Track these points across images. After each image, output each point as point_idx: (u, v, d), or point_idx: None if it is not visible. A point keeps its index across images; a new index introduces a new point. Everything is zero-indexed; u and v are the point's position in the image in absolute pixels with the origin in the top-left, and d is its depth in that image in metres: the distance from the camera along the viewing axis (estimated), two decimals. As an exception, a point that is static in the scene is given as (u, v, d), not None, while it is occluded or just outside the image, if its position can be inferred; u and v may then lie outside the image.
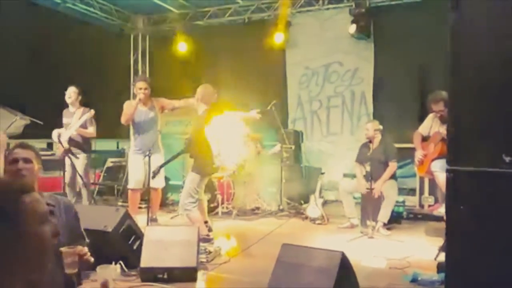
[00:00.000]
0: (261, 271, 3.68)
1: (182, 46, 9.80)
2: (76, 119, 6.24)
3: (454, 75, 2.59)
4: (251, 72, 9.16)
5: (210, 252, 4.53)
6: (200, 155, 5.01)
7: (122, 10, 10.21)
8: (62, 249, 2.48)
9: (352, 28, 8.25)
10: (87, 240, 2.89)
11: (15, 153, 2.72)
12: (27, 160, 2.71)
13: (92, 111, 6.23)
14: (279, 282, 3.27)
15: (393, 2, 8.33)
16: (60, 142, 6.10)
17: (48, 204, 2.66)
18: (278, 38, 8.90)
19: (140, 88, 5.83)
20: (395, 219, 6.36)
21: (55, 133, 6.30)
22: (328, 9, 9.02)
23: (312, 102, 9.36)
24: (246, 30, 9.55)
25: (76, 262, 2.49)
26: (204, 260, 4.33)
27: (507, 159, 2.33)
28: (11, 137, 7.31)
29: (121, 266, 3.85)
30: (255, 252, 4.86)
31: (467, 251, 2.57)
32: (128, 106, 5.91)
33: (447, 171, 2.59)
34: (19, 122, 6.80)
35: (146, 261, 3.76)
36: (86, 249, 2.55)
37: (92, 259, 2.59)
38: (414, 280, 3.91)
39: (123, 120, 5.93)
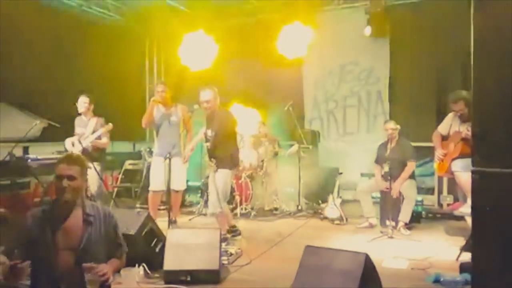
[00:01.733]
0: (283, 273, 3.71)
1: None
2: (90, 129, 6.18)
3: (478, 75, 2.57)
4: (267, 73, 9.14)
5: (231, 254, 4.55)
6: (230, 148, 5.20)
7: (135, 11, 10.26)
8: (84, 264, 2.52)
9: (368, 30, 8.21)
10: (126, 249, 2.92)
11: (60, 169, 2.69)
12: (71, 178, 2.66)
13: (110, 125, 6.15)
14: (303, 284, 3.28)
15: (408, 1, 8.26)
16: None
17: (87, 214, 2.71)
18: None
19: (158, 91, 5.97)
20: (414, 219, 6.32)
21: (68, 142, 6.24)
22: (343, 8, 8.98)
23: (328, 102, 9.34)
24: (261, 29, 9.53)
25: (98, 280, 2.52)
26: (226, 262, 4.35)
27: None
28: (30, 140, 7.46)
29: (144, 268, 3.91)
30: (276, 254, 4.87)
31: (494, 253, 2.56)
32: (149, 106, 6.01)
33: (473, 172, 2.57)
34: (39, 125, 6.91)
35: (169, 263, 3.79)
36: (106, 269, 2.57)
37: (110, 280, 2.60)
38: (436, 281, 3.89)
39: (143, 122, 5.99)
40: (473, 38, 2.57)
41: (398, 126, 6.24)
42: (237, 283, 3.93)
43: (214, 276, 3.79)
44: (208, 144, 5.22)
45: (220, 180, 5.13)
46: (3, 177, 6.26)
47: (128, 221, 3.98)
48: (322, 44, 9.22)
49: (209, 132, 5.20)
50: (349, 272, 3.12)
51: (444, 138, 5.48)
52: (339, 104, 9.20)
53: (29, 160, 6.42)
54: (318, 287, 3.21)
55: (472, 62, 2.59)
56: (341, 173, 7.14)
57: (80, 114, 6.37)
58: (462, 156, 4.97)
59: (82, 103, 6.27)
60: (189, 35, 6.77)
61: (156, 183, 5.86)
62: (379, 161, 6.33)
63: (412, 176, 6.15)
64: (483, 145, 2.55)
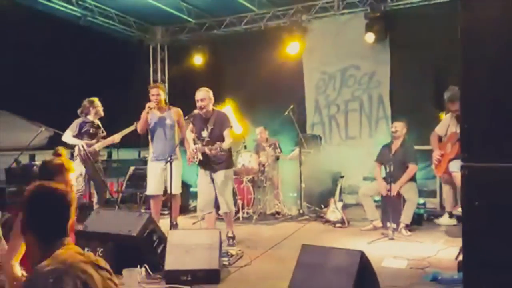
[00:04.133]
0: (282, 272, 3.77)
1: (198, 59, 10.05)
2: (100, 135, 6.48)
3: (466, 73, 2.64)
4: (268, 78, 9.25)
5: (232, 255, 4.62)
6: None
7: (141, 22, 10.45)
8: None
9: (370, 37, 8.30)
10: None
11: None
12: None
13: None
14: (300, 282, 3.35)
15: (407, 6, 8.36)
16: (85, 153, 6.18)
17: None
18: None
19: (153, 95, 5.86)
20: (416, 221, 6.36)
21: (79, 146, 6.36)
22: (343, 14, 9.09)
23: (330, 107, 9.43)
24: (263, 37, 9.67)
25: None
26: (226, 263, 4.42)
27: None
28: (35, 148, 7.60)
29: (146, 269, 3.98)
30: (276, 255, 4.93)
31: (483, 246, 2.61)
32: (143, 114, 5.92)
33: (462, 167, 2.64)
34: (43, 133, 7.04)
35: (170, 264, 3.87)
36: None
37: None
38: (434, 279, 3.94)
39: (138, 128, 5.96)
40: (460, 37, 2.65)
41: (405, 129, 6.33)
42: (237, 282, 4.00)
43: (214, 275, 3.86)
44: (200, 144, 5.28)
45: (223, 181, 5.28)
46: (11, 184, 6.39)
47: (130, 223, 4.07)
48: (322, 49, 9.36)
49: (204, 133, 5.28)
50: (344, 268, 3.18)
51: (442, 139, 5.54)
52: (340, 108, 9.29)
53: (34, 167, 6.54)
54: (314, 284, 3.27)
55: (460, 60, 2.66)
56: (342, 177, 7.18)
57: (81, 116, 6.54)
58: (459, 156, 5.01)
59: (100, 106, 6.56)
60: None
61: (153, 187, 5.88)
62: (380, 160, 6.40)
63: (413, 179, 6.20)
64: (470, 141, 2.62)
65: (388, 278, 3.97)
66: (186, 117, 5.66)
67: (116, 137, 6.47)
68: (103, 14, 9.52)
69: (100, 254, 3.85)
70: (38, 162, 6.80)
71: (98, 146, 6.39)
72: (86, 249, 3.91)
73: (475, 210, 2.62)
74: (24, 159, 7.61)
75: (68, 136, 6.34)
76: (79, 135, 6.37)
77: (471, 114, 2.62)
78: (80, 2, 8.93)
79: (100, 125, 6.60)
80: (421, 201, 6.75)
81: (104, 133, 6.56)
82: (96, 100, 6.59)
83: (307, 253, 3.44)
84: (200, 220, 7.04)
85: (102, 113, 6.56)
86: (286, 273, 3.53)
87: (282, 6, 9.46)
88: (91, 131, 6.46)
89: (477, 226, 2.64)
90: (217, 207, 5.62)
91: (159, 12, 9.49)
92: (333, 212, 6.64)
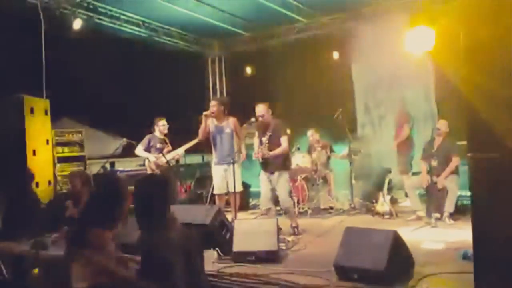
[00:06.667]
0: (332, 254, 4.41)
1: (252, 69, 10.89)
2: (167, 149, 7.43)
3: (468, 79, 3.26)
4: (320, 82, 9.91)
5: (289, 241, 5.39)
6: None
7: (199, 37, 11.44)
8: None
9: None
10: None
11: None
12: None
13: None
14: (342, 259, 4.03)
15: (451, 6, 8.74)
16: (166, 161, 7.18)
17: None
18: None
19: (210, 106, 6.66)
20: (461, 211, 6.78)
21: (151, 156, 7.37)
22: (389, 18, 9.56)
23: (379, 107, 9.95)
24: (312, 45, 10.34)
25: None
26: (284, 247, 5.19)
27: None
28: (114, 156, 8.69)
29: (217, 252, 4.83)
30: (327, 240, 5.62)
31: (489, 225, 3.16)
32: (202, 121, 6.71)
33: (469, 158, 3.25)
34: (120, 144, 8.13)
35: (237, 246, 4.70)
36: None
37: None
38: (465, 257, 4.44)
39: (199, 134, 6.75)
40: (464, 41, 3.26)
41: (448, 127, 6.82)
42: (293, 262, 4.72)
43: (273, 256, 4.63)
44: (261, 148, 6.08)
45: (282, 183, 6.08)
46: (99, 187, 7.49)
47: (203, 214, 4.93)
48: (371, 53, 9.90)
49: (264, 139, 6.08)
50: (380, 245, 3.83)
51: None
52: (389, 108, 9.79)
53: (118, 172, 7.61)
54: (354, 261, 3.93)
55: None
56: (390, 172, 7.72)
57: (152, 132, 7.53)
58: None
59: (164, 125, 7.51)
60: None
61: (217, 187, 6.71)
62: (425, 157, 6.90)
63: (456, 172, 6.67)
64: (475, 134, 3.23)
65: (424, 255, 4.57)
66: (244, 124, 6.49)
67: (180, 151, 7.45)
68: (166, 33, 10.58)
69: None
70: (120, 168, 7.89)
71: (161, 161, 7.28)
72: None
73: (482, 194, 3.22)
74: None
75: (139, 150, 7.42)
76: (148, 148, 7.40)
77: (477, 110, 3.21)
78: (146, 24, 10.01)
79: (167, 141, 7.55)
80: (468, 193, 7.14)
81: (170, 148, 7.49)
82: (160, 119, 7.57)
83: (349, 234, 4.13)
84: (259, 216, 7.86)
85: (164, 131, 7.52)
86: (334, 254, 4.21)
87: (330, 14, 10.10)
88: (157, 145, 7.42)
89: (485, 206, 3.22)
90: (276, 203, 6.45)
91: (216, 27, 10.39)
92: (382, 205, 7.22)
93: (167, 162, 7.18)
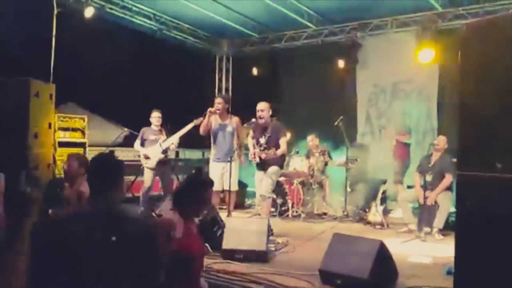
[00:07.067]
0: (319, 258, 4.49)
1: (259, 70, 10.99)
2: (162, 137, 7.38)
3: (463, 101, 3.34)
4: (323, 90, 10.01)
5: (278, 243, 5.47)
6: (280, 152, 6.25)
7: (209, 35, 11.54)
8: None
9: (422, 55, 8.79)
10: None
11: None
12: None
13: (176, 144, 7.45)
14: (328, 264, 4.12)
15: (457, 26, 8.83)
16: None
17: None
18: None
19: (215, 103, 6.70)
20: (452, 227, 6.87)
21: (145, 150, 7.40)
22: (396, 32, 9.70)
23: (380, 118, 10.04)
24: (320, 51, 10.45)
25: None
26: (273, 248, 5.27)
27: (499, 166, 3.04)
28: (116, 145, 8.79)
29: (207, 247, 4.91)
30: (317, 245, 5.66)
31: (471, 240, 3.24)
32: (205, 117, 6.79)
33: (458, 175, 3.33)
34: (123, 133, 8.23)
35: (227, 243, 4.78)
36: None
37: None
38: (449, 273, 4.52)
39: (200, 130, 6.80)
40: (459, 76, 3.35)
41: (446, 143, 6.89)
42: (281, 263, 4.79)
43: (262, 256, 4.72)
44: (258, 149, 6.17)
45: (269, 173, 6.16)
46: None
47: (196, 210, 5.01)
48: (375, 64, 10.02)
49: (261, 140, 6.16)
50: (365, 253, 3.91)
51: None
52: (390, 120, 9.86)
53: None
54: (340, 266, 4.01)
55: (459, 93, 3.37)
56: (385, 183, 7.81)
57: (149, 125, 7.54)
58: None
59: (157, 118, 7.49)
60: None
61: (214, 184, 6.79)
62: (421, 170, 6.98)
63: (449, 189, 6.74)
64: (464, 153, 3.31)
65: (410, 268, 4.65)
66: (245, 124, 6.57)
67: (174, 139, 7.35)
68: (177, 28, 10.68)
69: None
70: (118, 158, 7.95)
71: (157, 152, 7.31)
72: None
73: (466, 211, 3.29)
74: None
75: (136, 144, 7.51)
76: (142, 142, 7.46)
77: (466, 130, 3.30)
78: (157, 17, 10.11)
79: (163, 131, 7.49)
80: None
81: (165, 137, 7.41)
82: (153, 111, 7.54)
83: (337, 241, 4.21)
84: (252, 215, 7.95)
85: (156, 123, 7.47)
86: (321, 259, 4.29)
87: (339, 23, 10.21)
88: (150, 138, 7.41)
89: (468, 224, 3.29)
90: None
91: (226, 26, 10.51)
92: (374, 215, 7.30)
93: (164, 152, 7.25)
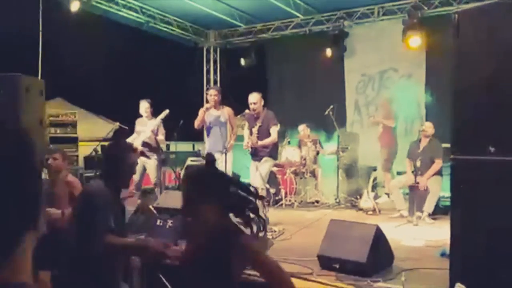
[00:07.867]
0: (316, 244, 4.58)
1: (247, 60, 10.98)
2: (149, 128, 7.20)
3: (457, 87, 3.43)
4: (312, 79, 10.12)
5: (275, 231, 5.55)
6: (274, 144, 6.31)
7: (196, 26, 11.52)
8: None
9: (412, 42, 8.86)
10: None
11: None
12: None
13: (167, 111, 7.16)
14: (326, 250, 4.20)
15: (443, 13, 8.96)
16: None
17: None
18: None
19: (211, 95, 6.70)
20: (442, 211, 7.00)
21: (130, 138, 7.17)
22: (382, 20, 9.79)
23: (368, 106, 10.15)
24: (307, 41, 10.51)
25: None
26: (270, 237, 5.35)
27: (492, 149, 3.13)
28: (105, 139, 8.77)
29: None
30: (312, 232, 5.76)
31: (466, 223, 3.34)
32: (200, 112, 6.76)
33: (451, 159, 3.42)
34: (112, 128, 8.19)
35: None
36: None
37: None
38: (443, 254, 4.65)
39: (195, 124, 6.79)
40: (453, 58, 3.44)
41: (433, 129, 7.01)
42: (278, 251, 4.86)
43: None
44: (251, 139, 6.23)
45: (263, 169, 6.21)
46: (89, 169, 7.58)
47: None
48: (363, 52, 10.11)
49: (254, 129, 6.23)
50: (362, 238, 4.01)
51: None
52: (378, 108, 9.98)
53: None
54: (337, 252, 4.10)
55: (452, 76, 3.45)
56: (375, 170, 7.94)
57: (141, 116, 7.40)
58: None
59: (144, 107, 7.29)
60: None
61: None
62: (411, 156, 7.10)
63: (439, 173, 6.89)
64: (458, 137, 3.40)
65: (404, 252, 4.76)
66: (239, 116, 6.62)
67: (157, 121, 7.18)
68: (164, 20, 10.64)
69: (171, 225, 4.85)
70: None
71: (137, 141, 7.08)
72: (158, 220, 4.93)
73: (459, 193, 3.40)
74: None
75: (131, 137, 7.26)
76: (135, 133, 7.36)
77: (459, 115, 3.39)
78: (144, 10, 10.06)
79: (147, 122, 7.29)
80: (449, 194, 7.37)
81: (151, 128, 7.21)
82: (140, 102, 7.36)
83: (334, 227, 4.30)
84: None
85: (143, 113, 7.28)
86: (318, 245, 4.38)
87: (326, 12, 10.26)
88: (137, 128, 7.31)
89: (461, 205, 3.40)
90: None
91: (213, 18, 10.50)
92: (366, 201, 7.43)
93: (144, 145, 7.16)
